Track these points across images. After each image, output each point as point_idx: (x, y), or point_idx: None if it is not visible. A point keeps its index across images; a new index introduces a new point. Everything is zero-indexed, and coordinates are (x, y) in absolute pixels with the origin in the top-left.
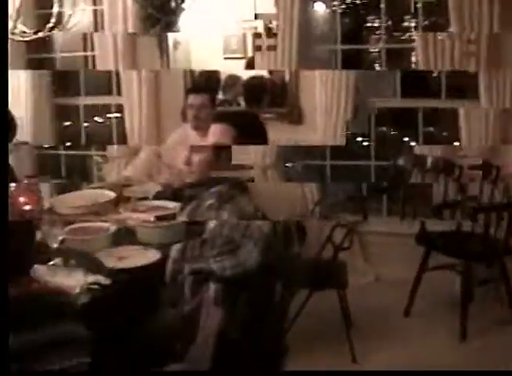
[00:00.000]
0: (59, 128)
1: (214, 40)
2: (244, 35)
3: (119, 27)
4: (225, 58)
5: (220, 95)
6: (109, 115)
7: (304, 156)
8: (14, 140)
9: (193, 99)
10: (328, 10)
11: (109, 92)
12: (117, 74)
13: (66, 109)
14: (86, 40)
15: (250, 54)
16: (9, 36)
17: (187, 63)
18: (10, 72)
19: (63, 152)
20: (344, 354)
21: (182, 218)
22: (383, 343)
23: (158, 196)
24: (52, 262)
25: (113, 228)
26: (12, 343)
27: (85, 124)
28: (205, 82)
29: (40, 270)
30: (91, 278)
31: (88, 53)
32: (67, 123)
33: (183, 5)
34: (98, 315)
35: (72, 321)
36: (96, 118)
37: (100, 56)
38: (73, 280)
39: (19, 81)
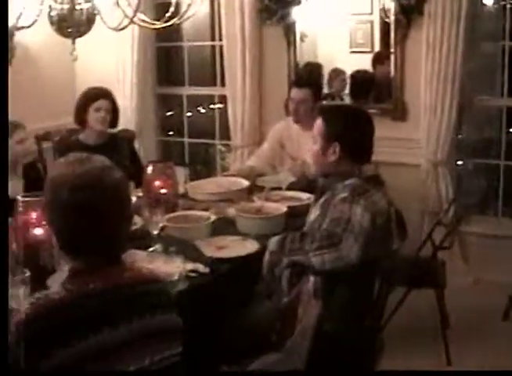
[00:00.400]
0: (162, 117)
1: (340, 33)
2: (372, 28)
3: (236, 18)
4: (351, 52)
5: (325, 89)
6: (212, 106)
7: (476, 154)
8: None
9: (295, 93)
10: (496, 5)
11: (213, 83)
12: (221, 65)
13: (169, 98)
14: (214, 30)
15: (376, 48)
16: (130, 25)
17: (313, 56)
18: (117, 62)
19: (187, 139)
20: (439, 355)
21: (316, 210)
22: (479, 346)
23: (291, 187)
24: (151, 249)
25: (213, 217)
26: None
27: (188, 114)
28: (309, 76)
29: (139, 256)
30: (190, 266)
31: (216, 43)
32: (170, 112)
33: None
34: (194, 303)
35: (167, 311)
36: (199, 108)
37: (228, 45)
38: (172, 267)
39: (125, 71)
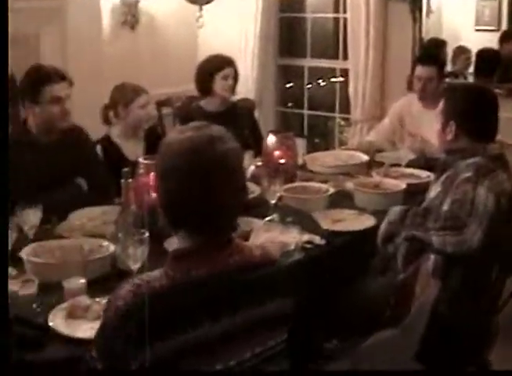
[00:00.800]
0: (283, 87)
1: (466, 10)
2: (499, 5)
3: None
4: (477, 30)
5: (448, 68)
6: (333, 79)
7: None
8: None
9: (421, 70)
10: None
11: (335, 56)
12: (344, 38)
13: (290, 70)
14: (338, 2)
15: (503, 26)
16: None
17: (438, 32)
18: (240, 32)
19: (306, 111)
20: None
21: (437, 187)
22: None
23: (410, 164)
24: (268, 218)
25: (331, 190)
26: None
27: (308, 86)
28: (434, 53)
29: (255, 224)
30: (306, 237)
31: (340, 15)
32: (290, 84)
33: None
34: (309, 274)
35: (280, 296)
36: (319, 81)
37: (352, 18)
38: (289, 237)
39: (247, 41)
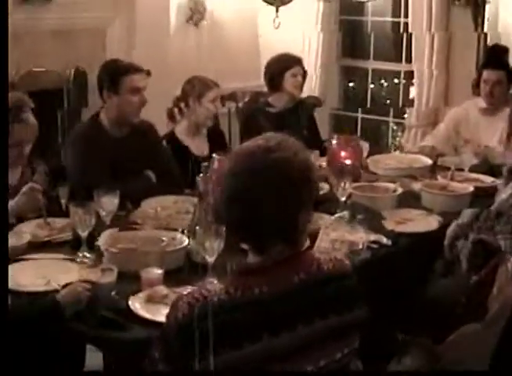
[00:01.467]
0: (345, 88)
1: None
2: None
3: None
4: None
5: None
6: (396, 81)
7: None
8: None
9: (489, 74)
10: None
11: (398, 60)
12: (408, 42)
13: (353, 70)
14: (396, 6)
15: None
16: None
17: (497, 39)
18: (303, 33)
19: (360, 115)
20: None
21: (508, 190)
22: None
23: (473, 169)
24: (338, 214)
25: (400, 189)
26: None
27: (371, 86)
28: (500, 57)
29: (324, 220)
30: (373, 237)
31: (400, 19)
32: (352, 84)
33: None
34: (374, 274)
35: (354, 307)
36: (383, 81)
37: (413, 21)
38: (356, 237)
39: (311, 41)
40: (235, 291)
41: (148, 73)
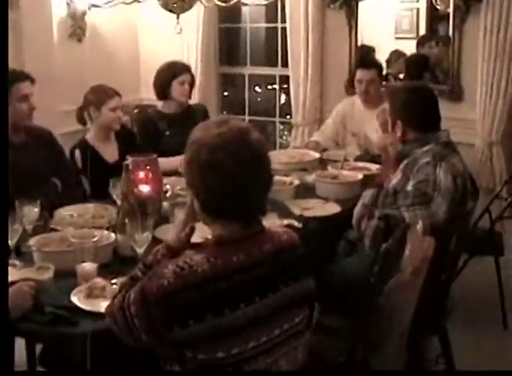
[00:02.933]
0: (221, 95)
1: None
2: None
3: (300, 2)
4: (397, 38)
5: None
6: (271, 86)
7: None
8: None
9: (363, 74)
10: None
11: (274, 64)
12: (283, 46)
13: (230, 77)
14: (270, 11)
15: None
16: (202, 3)
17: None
18: (182, 42)
19: (247, 117)
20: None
21: (397, 174)
22: None
23: (357, 159)
24: None
25: (296, 182)
26: None
27: (248, 93)
28: (371, 57)
29: None
30: (286, 221)
31: (276, 25)
32: (229, 91)
33: None
34: None
35: (304, 275)
36: (257, 88)
37: (291, 27)
38: (271, 222)
39: (190, 50)
40: (215, 260)
41: (32, 80)
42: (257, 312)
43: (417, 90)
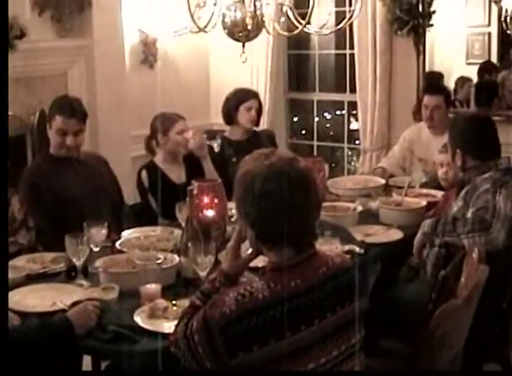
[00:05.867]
0: (291, 121)
1: (457, 44)
2: (489, 39)
3: (368, 28)
4: (468, 63)
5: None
6: (339, 112)
7: None
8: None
9: (429, 99)
10: None
11: (342, 90)
12: (351, 72)
13: (299, 103)
14: (339, 38)
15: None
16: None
17: (432, 67)
18: (251, 68)
19: (315, 142)
20: None
21: (458, 202)
22: None
23: (423, 186)
24: None
25: (360, 208)
26: None
27: (316, 119)
28: (438, 83)
29: None
30: (347, 247)
31: (345, 51)
32: (298, 117)
33: (431, 9)
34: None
35: (361, 295)
36: (326, 114)
37: (359, 53)
38: (331, 247)
39: (259, 76)
40: (275, 286)
41: (78, 116)
42: (316, 334)
43: (475, 119)
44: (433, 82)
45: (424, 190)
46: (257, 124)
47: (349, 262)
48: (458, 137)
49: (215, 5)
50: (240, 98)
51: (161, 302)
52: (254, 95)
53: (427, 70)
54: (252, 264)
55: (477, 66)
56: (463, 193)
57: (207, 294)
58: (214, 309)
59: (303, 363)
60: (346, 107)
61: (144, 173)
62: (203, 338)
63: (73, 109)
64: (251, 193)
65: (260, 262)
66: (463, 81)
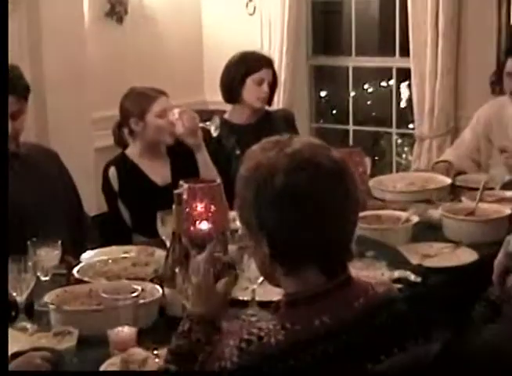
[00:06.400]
0: (317, 97)
1: None
2: None
3: None
4: None
5: None
6: (385, 84)
7: None
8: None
9: None
10: None
11: (389, 53)
12: (401, 29)
13: (329, 72)
14: None
15: None
16: None
17: None
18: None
19: (352, 127)
20: None
21: None
22: None
23: (506, 187)
24: None
25: (415, 219)
26: None
27: (353, 94)
28: None
29: None
30: (397, 273)
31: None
32: (327, 92)
33: None
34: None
35: (419, 337)
36: (367, 86)
37: (414, 2)
38: (377, 274)
39: (272, 31)
40: (292, 326)
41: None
42: None
43: None
44: None
45: (508, 193)
46: (269, 102)
47: (396, 292)
48: None
49: None
50: (247, 67)
51: (138, 352)
52: (267, 62)
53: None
54: (263, 297)
55: None
56: None
57: (183, 353)
58: (209, 366)
59: None
60: (395, 77)
61: (113, 171)
62: None
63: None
64: (268, 192)
65: (273, 294)
66: None
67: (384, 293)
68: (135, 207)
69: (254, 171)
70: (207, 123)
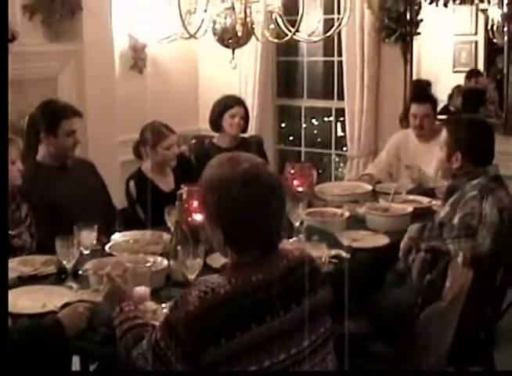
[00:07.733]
0: (278, 127)
1: (444, 52)
2: (476, 48)
3: (356, 36)
4: (455, 71)
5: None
6: (327, 118)
7: None
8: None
9: (417, 108)
10: None
11: (330, 97)
12: (339, 79)
13: (287, 110)
14: (328, 45)
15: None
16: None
17: (418, 74)
18: (240, 74)
19: (303, 149)
20: None
21: (445, 208)
22: None
23: (409, 192)
24: (294, 238)
25: (347, 213)
26: None
27: (304, 125)
28: (425, 90)
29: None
30: (334, 251)
31: (333, 58)
32: (286, 123)
33: (419, 17)
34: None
35: (322, 286)
36: (314, 120)
37: (347, 60)
38: (319, 252)
39: (248, 82)
40: (236, 281)
41: (80, 115)
42: (283, 326)
43: (481, 124)
44: (421, 90)
45: (411, 196)
46: (244, 130)
47: (308, 254)
48: (461, 139)
49: (206, 11)
50: (225, 105)
51: (150, 305)
52: (239, 101)
53: (414, 78)
54: (214, 264)
55: (463, 74)
56: (451, 200)
57: (131, 317)
58: (178, 311)
59: (273, 354)
60: (334, 114)
61: (132, 184)
62: (170, 342)
63: (72, 108)
64: (226, 199)
65: (221, 261)
66: (459, 90)
67: (299, 256)
68: (148, 208)
69: (216, 182)
70: (183, 147)
